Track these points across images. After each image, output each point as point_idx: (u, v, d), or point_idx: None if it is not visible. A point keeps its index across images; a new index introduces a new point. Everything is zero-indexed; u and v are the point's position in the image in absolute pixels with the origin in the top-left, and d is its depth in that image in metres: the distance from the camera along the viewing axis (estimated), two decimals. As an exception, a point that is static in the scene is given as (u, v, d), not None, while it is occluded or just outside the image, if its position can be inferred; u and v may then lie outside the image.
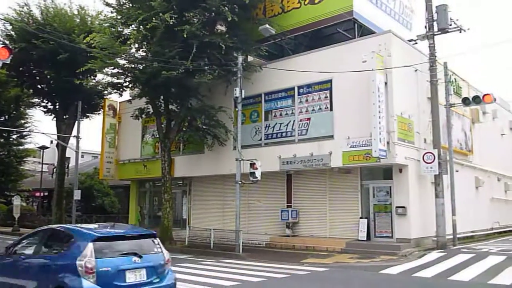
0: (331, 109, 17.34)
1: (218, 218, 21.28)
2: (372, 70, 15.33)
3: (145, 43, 18.62)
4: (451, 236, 17.10)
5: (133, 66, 18.89)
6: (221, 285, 10.16)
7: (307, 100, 18.10)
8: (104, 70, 19.83)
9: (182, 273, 11.92)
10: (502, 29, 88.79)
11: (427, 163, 16.39)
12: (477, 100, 18.19)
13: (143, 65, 18.13)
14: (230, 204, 19.58)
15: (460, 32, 17.26)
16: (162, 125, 20.22)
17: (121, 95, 22.02)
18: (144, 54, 19.09)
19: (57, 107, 28.28)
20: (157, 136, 21.42)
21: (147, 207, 26.56)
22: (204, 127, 19.97)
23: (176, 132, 20.04)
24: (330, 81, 17.30)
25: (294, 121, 18.34)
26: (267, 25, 17.41)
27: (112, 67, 19.00)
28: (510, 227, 25.54)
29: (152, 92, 19.29)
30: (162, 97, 20.00)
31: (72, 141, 27.42)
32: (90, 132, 69.26)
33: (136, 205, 26.60)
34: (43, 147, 35.96)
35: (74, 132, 26.67)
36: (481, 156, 22.72)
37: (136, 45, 19.01)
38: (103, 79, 24.83)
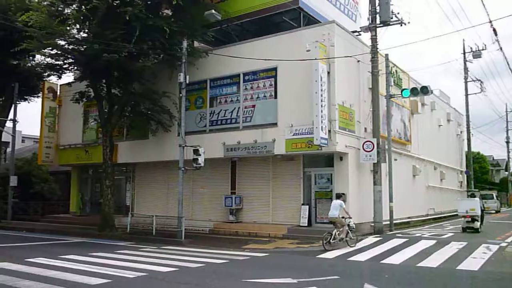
0: (275, 97, 17.45)
1: (162, 204, 21.07)
2: (315, 59, 15.54)
3: (86, 23, 17.89)
4: (388, 222, 17.79)
5: (73, 47, 18.13)
6: (158, 271, 10.02)
7: (252, 87, 18.13)
8: (42, 51, 18.95)
9: (119, 260, 11.75)
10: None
11: (367, 151, 16.91)
12: (424, 90, 18.75)
13: (84, 46, 17.46)
14: (174, 190, 19.36)
15: (401, 25, 17.81)
16: (104, 110, 19.62)
17: (60, 77, 21.23)
18: (85, 35, 18.35)
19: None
20: (100, 121, 20.80)
21: (88, 194, 25.87)
22: (148, 112, 19.61)
23: (119, 117, 19.51)
24: (275, 69, 17.40)
25: (239, 108, 18.33)
26: (213, 11, 17.14)
27: (50, 48, 18.17)
28: (444, 213, 26.97)
29: (93, 75, 18.66)
30: (104, 80, 19.39)
31: (10, 124, 26.13)
32: (32, 116, 66.10)
33: (77, 192, 25.86)
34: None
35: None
36: (419, 145, 23.70)
37: (78, 26, 18.23)
38: (42, 61, 23.68)
